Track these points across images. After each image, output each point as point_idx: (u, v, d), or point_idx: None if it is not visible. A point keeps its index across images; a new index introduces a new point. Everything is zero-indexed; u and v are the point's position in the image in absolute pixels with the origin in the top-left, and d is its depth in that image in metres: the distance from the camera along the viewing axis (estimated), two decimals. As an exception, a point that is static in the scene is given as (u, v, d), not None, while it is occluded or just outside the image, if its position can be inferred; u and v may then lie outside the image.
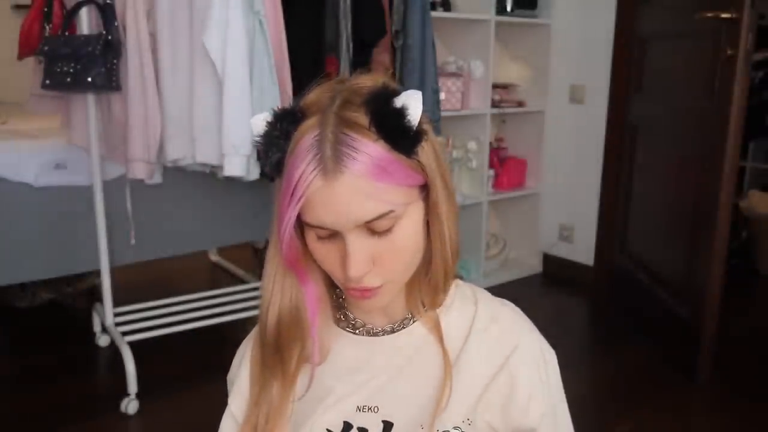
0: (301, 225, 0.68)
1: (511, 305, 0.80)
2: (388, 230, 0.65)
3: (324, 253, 0.67)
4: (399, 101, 0.63)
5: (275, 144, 0.66)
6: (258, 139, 0.67)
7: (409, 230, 0.66)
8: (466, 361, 0.73)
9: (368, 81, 0.67)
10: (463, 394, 0.72)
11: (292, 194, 0.62)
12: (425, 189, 0.68)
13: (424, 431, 0.71)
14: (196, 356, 2.31)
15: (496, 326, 0.75)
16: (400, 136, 0.63)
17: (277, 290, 0.72)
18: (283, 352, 0.73)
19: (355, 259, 0.64)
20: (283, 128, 0.65)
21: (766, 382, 2.25)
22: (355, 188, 0.61)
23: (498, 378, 0.72)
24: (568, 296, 3.08)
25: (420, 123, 0.64)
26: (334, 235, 0.65)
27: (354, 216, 0.62)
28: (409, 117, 0.63)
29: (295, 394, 0.75)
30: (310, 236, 0.67)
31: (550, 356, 0.77)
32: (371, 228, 0.64)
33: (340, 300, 0.78)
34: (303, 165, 0.62)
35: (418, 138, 0.64)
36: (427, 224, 0.69)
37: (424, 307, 0.75)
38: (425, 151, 0.66)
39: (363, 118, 0.62)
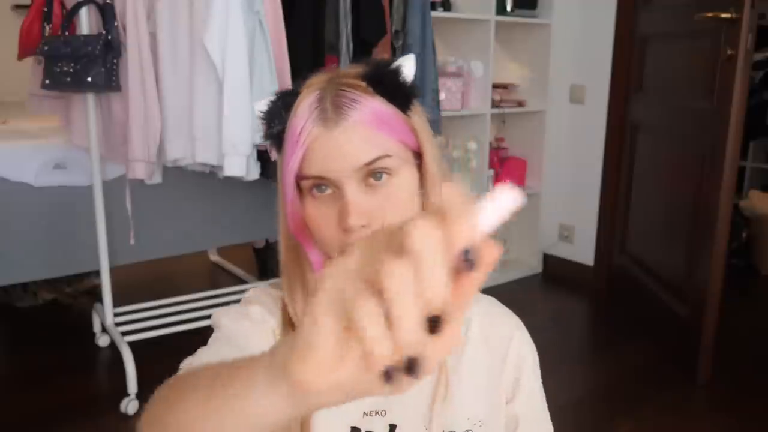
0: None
1: (497, 301, 0.83)
2: (384, 184, 0.66)
3: (320, 215, 0.67)
4: (394, 64, 0.70)
5: (277, 116, 0.69)
6: (260, 114, 0.71)
7: (403, 189, 0.68)
8: (465, 363, 0.76)
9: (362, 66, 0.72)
10: (469, 396, 0.75)
11: (295, 145, 0.65)
12: (419, 158, 0.70)
13: None
14: (196, 356, 2.30)
15: (491, 329, 0.79)
16: (397, 90, 0.68)
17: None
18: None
19: (353, 206, 0.65)
20: (285, 102, 0.69)
21: (766, 382, 2.25)
22: (354, 132, 0.65)
23: (502, 378, 0.78)
24: (568, 296, 3.08)
25: (413, 84, 0.70)
26: (331, 195, 0.66)
27: (352, 158, 0.65)
28: (403, 74, 0.69)
29: None
30: (308, 202, 0.68)
31: (534, 351, 0.82)
32: (369, 174, 0.66)
33: None
34: (304, 119, 0.66)
35: (412, 93, 0.69)
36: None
37: None
38: (417, 117, 0.70)
39: (361, 83, 0.67)
